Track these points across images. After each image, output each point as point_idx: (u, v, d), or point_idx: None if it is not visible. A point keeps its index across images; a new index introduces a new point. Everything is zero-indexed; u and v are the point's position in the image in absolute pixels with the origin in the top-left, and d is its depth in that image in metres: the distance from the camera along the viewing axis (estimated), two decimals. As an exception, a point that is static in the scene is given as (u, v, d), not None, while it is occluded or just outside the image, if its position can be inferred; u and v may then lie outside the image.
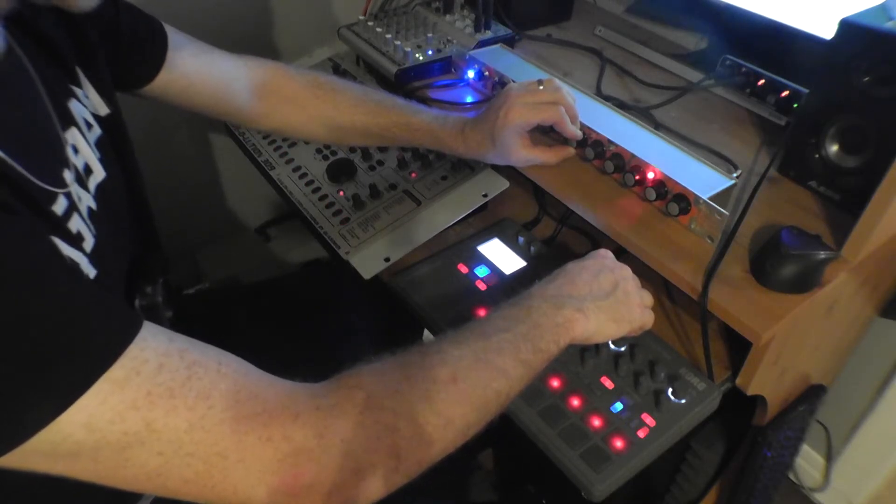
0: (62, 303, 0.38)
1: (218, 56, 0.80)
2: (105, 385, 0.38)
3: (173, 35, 0.74)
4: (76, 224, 0.51)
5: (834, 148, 0.75)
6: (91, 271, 0.50)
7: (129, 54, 0.70)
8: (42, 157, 0.50)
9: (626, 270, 0.65)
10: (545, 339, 0.57)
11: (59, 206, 0.49)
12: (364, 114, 0.83)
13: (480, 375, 0.52)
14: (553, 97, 0.78)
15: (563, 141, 0.81)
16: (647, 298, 0.66)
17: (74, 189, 0.52)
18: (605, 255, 0.66)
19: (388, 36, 1.06)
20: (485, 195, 0.89)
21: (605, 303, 0.61)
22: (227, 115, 0.83)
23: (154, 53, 0.72)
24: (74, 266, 0.46)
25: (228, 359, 0.45)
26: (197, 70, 0.76)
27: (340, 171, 0.95)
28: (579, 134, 0.80)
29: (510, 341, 0.55)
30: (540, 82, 0.79)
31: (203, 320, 0.86)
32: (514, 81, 0.91)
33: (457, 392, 0.50)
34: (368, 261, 0.84)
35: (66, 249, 0.46)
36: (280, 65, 0.86)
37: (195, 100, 0.78)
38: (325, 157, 0.99)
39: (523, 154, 0.79)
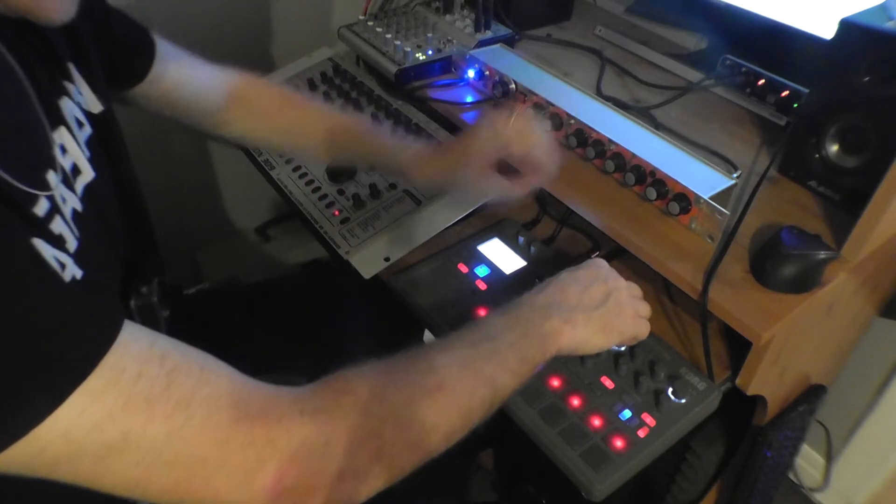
0: (37, 313, 0.37)
1: (200, 67, 0.80)
2: (82, 397, 0.37)
3: (161, 43, 0.75)
4: (58, 227, 0.50)
5: (834, 148, 0.75)
6: (77, 272, 0.49)
7: (118, 57, 0.70)
8: (25, 159, 0.49)
9: (619, 281, 0.65)
10: (532, 348, 0.57)
11: (41, 209, 0.48)
12: (324, 129, 0.83)
13: (467, 383, 0.52)
14: (524, 128, 0.74)
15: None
16: (644, 309, 0.65)
17: (59, 191, 0.52)
18: (600, 265, 0.66)
19: (388, 36, 1.06)
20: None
21: (594, 314, 0.61)
22: (196, 124, 0.83)
23: (142, 58, 0.73)
24: (55, 273, 0.44)
25: (211, 363, 0.44)
26: (179, 78, 0.77)
27: (340, 170, 0.95)
28: (553, 169, 0.75)
29: (497, 350, 0.55)
30: (511, 112, 0.75)
31: (203, 320, 0.87)
32: (514, 81, 0.91)
33: (443, 399, 0.51)
34: (368, 261, 0.84)
35: (50, 251, 0.46)
36: (255, 78, 0.86)
37: (172, 108, 0.79)
38: (325, 157, 0.98)
39: (486, 185, 0.76)
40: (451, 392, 0.51)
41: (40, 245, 0.45)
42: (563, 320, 0.59)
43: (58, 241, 0.49)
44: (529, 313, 0.59)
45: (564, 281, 0.63)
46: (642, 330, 0.65)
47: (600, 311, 0.61)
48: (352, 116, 0.86)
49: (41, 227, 0.47)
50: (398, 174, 0.83)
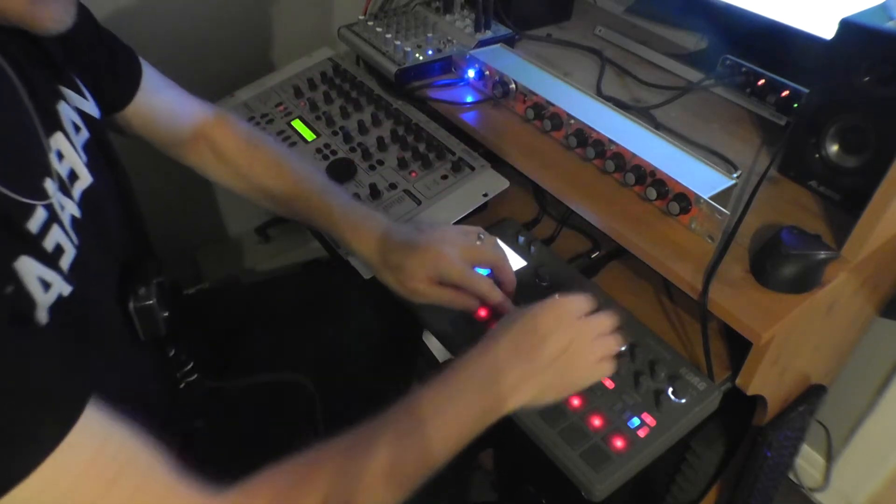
0: None
1: (178, 95, 0.80)
2: (21, 493, 0.37)
3: (147, 67, 0.75)
4: (55, 237, 0.50)
5: (834, 148, 0.75)
6: (66, 289, 0.49)
7: (108, 76, 0.70)
8: (20, 169, 0.49)
9: (583, 325, 0.60)
10: (470, 421, 0.56)
11: (37, 220, 0.48)
12: (273, 176, 0.81)
13: (395, 475, 0.52)
14: (491, 258, 0.72)
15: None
16: (612, 345, 0.62)
17: (57, 199, 0.52)
18: (562, 306, 0.61)
19: (388, 36, 1.06)
20: (485, 195, 0.89)
21: (548, 371, 0.58)
22: (162, 149, 0.82)
23: (130, 80, 0.73)
24: (20, 352, 0.42)
25: (155, 467, 0.44)
26: (159, 104, 0.77)
27: (340, 170, 0.95)
28: (509, 307, 0.72)
29: (432, 432, 0.54)
30: (479, 236, 0.73)
31: (203, 320, 0.87)
32: (514, 81, 0.91)
33: (371, 494, 0.51)
34: (368, 260, 0.84)
35: (37, 270, 0.46)
36: (226, 116, 0.85)
37: (146, 132, 0.78)
38: (326, 157, 0.98)
39: (424, 292, 0.72)
40: (378, 487, 0.52)
41: (27, 265, 0.44)
42: (511, 385, 0.56)
43: (49, 257, 0.48)
44: (471, 384, 0.57)
45: (519, 331, 0.59)
46: (602, 374, 0.62)
47: (555, 367, 0.58)
48: (309, 171, 0.82)
49: (32, 243, 0.47)
50: (342, 243, 0.78)
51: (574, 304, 0.61)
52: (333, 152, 0.99)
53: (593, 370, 0.61)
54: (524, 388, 0.57)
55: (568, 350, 0.59)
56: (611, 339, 0.63)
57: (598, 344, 0.61)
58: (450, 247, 0.70)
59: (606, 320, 0.63)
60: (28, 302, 0.45)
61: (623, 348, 0.65)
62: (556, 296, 0.62)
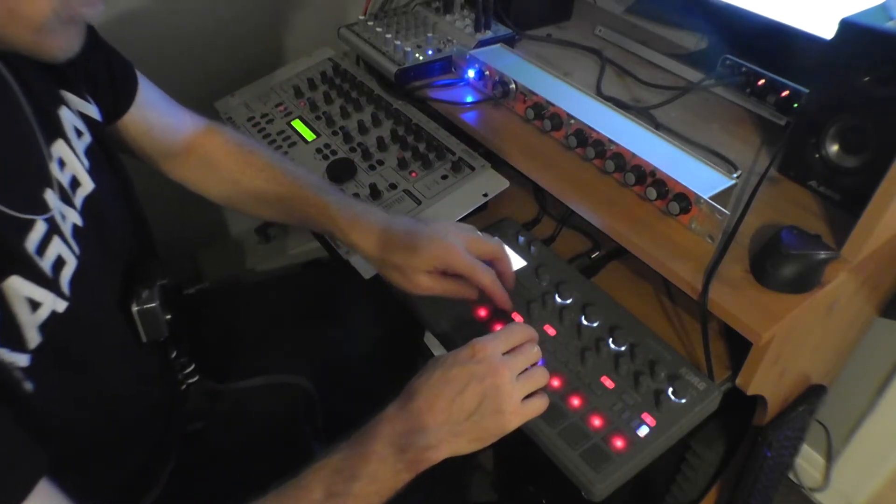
0: None
1: (171, 108, 0.79)
2: None
3: (142, 80, 0.74)
4: (56, 250, 0.50)
5: (834, 148, 0.75)
6: (60, 304, 0.49)
7: (104, 86, 0.69)
8: (20, 182, 0.49)
9: (501, 369, 0.57)
10: (382, 486, 0.54)
11: (36, 235, 0.48)
12: (266, 178, 0.79)
13: None
14: (493, 250, 0.71)
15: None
16: (534, 383, 0.60)
17: (58, 209, 0.52)
18: (478, 352, 0.58)
19: (388, 36, 1.06)
20: (485, 195, 0.89)
21: (465, 424, 0.56)
22: (152, 164, 0.81)
23: (126, 91, 0.72)
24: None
25: None
26: (152, 118, 0.76)
27: (340, 170, 0.95)
28: (509, 304, 0.71)
29: (344, 500, 0.52)
30: (477, 231, 0.73)
31: (203, 320, 0.87)
32: (514, 81, 0.91)
33: None
34: (368, 261, 0.84)
35: (25, 290, 0.46)
36: (218, 128, 0.83)
37: (136, 146, 0.77)
38: (326, 157, 0.99)
39: (428, 284, 0.70)
40: None
41: (16, 285, 0.44)
42: (424, 448, 0.55)
43: (44, 274, 0.48)
44: (383, 449, 0.54)
45: (435, 385, 0.57)
46: (533, 413, 0.60)
47: (472, 420, 0.56)
48: (303, 173, 0.80)
49: (26, 262, 0.47)
50: (341, 238, 0.76)
51: (490, 347, 0.59)
52: (333, 152, 0.99)
53: (520, 412, 0.59)
54: (443, 446, 0.55)
55: (486, 399, 0.56)
56: (535, 374, 0.61)
57: (521, 384, 0.59)
58: (455, 238, 0.70)
59: (528, 356, 0.61)
60: (12, 324, 0.45)
61: (548, 381, 0.63)
62: (474, 340, 0.60)
